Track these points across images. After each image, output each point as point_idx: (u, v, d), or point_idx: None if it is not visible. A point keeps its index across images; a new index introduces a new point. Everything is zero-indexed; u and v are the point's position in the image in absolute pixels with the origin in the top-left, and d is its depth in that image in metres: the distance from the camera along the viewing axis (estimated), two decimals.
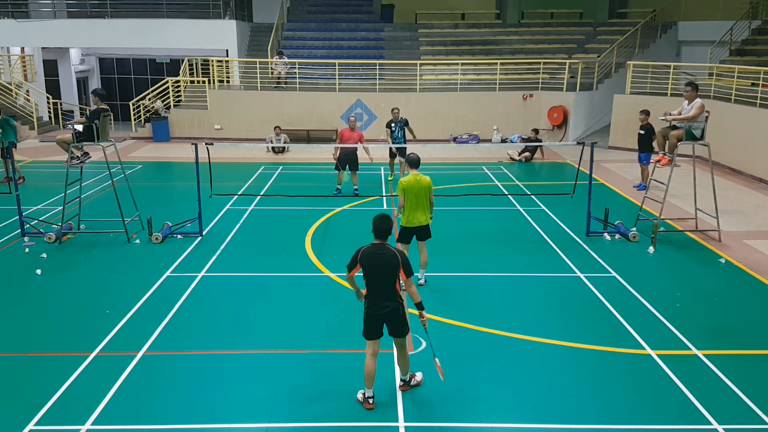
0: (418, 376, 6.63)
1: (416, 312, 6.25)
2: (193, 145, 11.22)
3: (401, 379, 6.55)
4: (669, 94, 20.08)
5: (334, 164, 14.85)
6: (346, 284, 9.28)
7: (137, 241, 11.33)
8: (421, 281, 9.26)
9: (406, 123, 15.76)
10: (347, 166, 14.71)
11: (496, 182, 16.38)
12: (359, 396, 6.33)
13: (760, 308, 8.69)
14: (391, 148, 15.83)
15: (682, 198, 14.03)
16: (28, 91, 25.09)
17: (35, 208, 13.51)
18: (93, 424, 5.90)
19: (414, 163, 8.98)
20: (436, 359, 6.36)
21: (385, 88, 23.30)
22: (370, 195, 14.74)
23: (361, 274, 6.18)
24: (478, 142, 22.42)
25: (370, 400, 6.25)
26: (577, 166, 12.53)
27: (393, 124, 15.64)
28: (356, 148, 14.59)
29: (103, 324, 7.97)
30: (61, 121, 25.55)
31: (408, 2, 29.37)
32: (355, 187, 14.85)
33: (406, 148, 15.67)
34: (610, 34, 25.60)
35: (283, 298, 8.92)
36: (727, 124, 17.45)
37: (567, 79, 22.50)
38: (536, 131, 20.29)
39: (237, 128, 22.83)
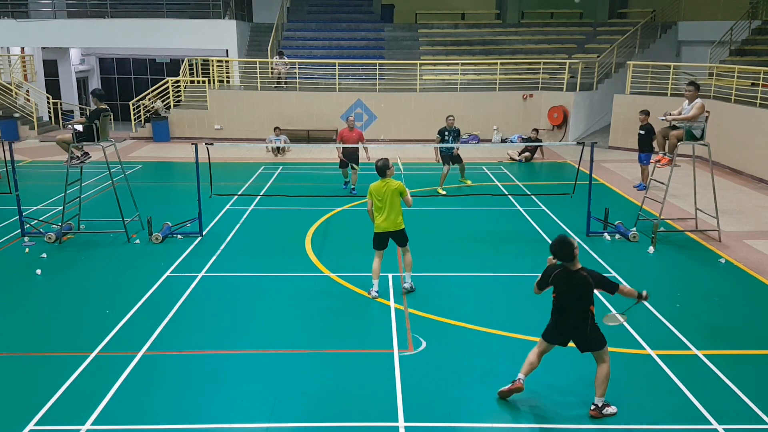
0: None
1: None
2: (193, 145, 11.22)
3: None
4: (669, 94, 20.08)
5: (335, 164, 14.94)
6: (345, 282, 9.31)
7: (137, 241, 11.33)
8: (406, 284, 8.95)
9: (459, 133, 15.21)
10: (349, 165, 14.84)
11: (496, 182, 16.38)
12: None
13: (760, 308, 8.69)
14: (442, 157, 15.05)
15: (682, 198, 14.03)
16: (28, 91, 25.09)
17: (35, 208, 13.51)
18: (93, 424, 5.90)
19: (380, 170, 8.67)
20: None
21: (385, 88, 23.30)
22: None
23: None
24: (478, 142, 22.41)
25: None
26: (577, 166, 12.53)
27: (446, 132, 15.04)
28: (357, 147, 14.66)
29: (103, 324, 7.97)
30: (61, 121, 25.55)
31: (408, 2, 29.36)
32: (353, 186, 14.90)
33: (458, 155, 15.28)
34: (610, 34, 25.61)
35: (283, 298, 8.92)
36: (727, 124, 17.45)
37: (567, 79, 22.50)
38: (536, 131, 20.29)
39: (237, 128, 22.83)
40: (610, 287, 6.13)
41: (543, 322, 8.04)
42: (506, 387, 6.28)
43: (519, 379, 6.26)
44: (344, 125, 22.57)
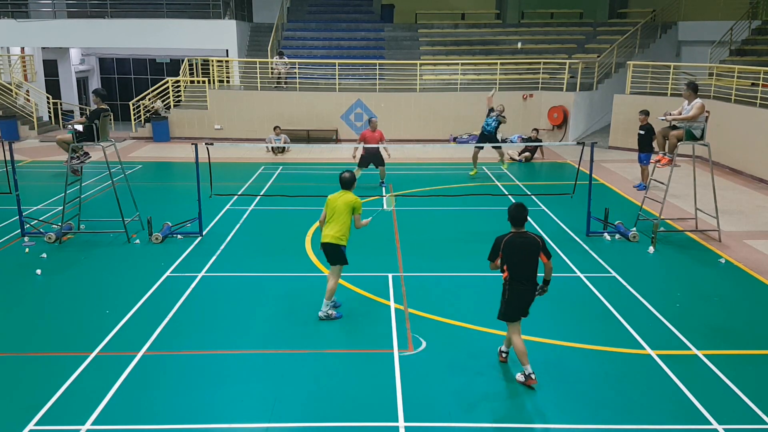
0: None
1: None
2: (193, 145, 11.22)
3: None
4: (669, 94, 20.09)
5: (335, 164, 15.02)
6: (345, 282, 9.30)
7: (137, 241, 11.33)
8: (321, 312, 8.11)
9: (498, 121, 16.52)
10: (370, 164, 15.43)
11: (496, 182, 16.38)
12: None
13: (760, 308, 8.69)
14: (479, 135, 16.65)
15: (682, 198, 14.03)
16: (28, 91, 25.09)
17: (35, 208, 13.51)
18: (93, 424, 5.91)
19: (343, 181, 8.09)
20: None
21: (385, 88, 23.30)
22: (369, 195, 14.72)
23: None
24: (478, 142, 22.38)
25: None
26: (577, 166, 12.53)
27: (491, 111, 16.52)
28: (378, 147, 15.23)
29: (103, 324, 7.97)
30: (61, 121, 25.55)
31: (408, 2, 29.38)
32: (381, 180, 15.71)
33: (496, 140, 16.70)
34: (610, 34, 25.61)
35: (282, 298, 8.92)
36: (727, 124, 17.45)
37: (567, 79, 22.50)
38: (536, 131, 20.30)
39: (237, 128, 22.84)
40: (547, 254, 6.60)
41: (542, 322, 8.09)
42: (522, 380, 6.64)
43: (530, 375, 6.56)
44: (344, 125, 22.81)
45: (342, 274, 9.47)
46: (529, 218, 12.66)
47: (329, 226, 8.00)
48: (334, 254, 8.00)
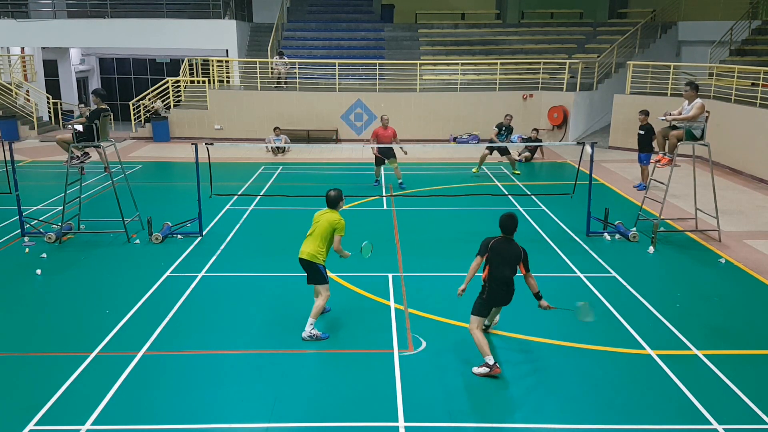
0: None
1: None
2: (193, 145, 11.22)
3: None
4: (669, 94, 20.08)
5: (335, 164, 14.96)
6: (345, 282, 9.31)
7: (137, 241, 11.33)
8: (304, 332, 7.62)
9: (511, 131, 17.42)
10: (386, 160, 15.55)
11: (496, 182, 16.38)
12: None
13: (760, 308, 8.69)
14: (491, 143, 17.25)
15: (682, 198, 14.03)
16: (28, 91, 25.09)
17: (35, 208, 13.51)
18: (93, 424, 5.91)
19: (327, 200, 7.69)
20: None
21: (385, 88, 23.30)
22: (369, 195, 14.74)
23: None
24: (478, 142, 22.40)
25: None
26: (577, 166, 12.53)
27: (503, 128, 17.22)
28: (391, 143, 15.34)
29: (103, 324, 7.97)
30: (61, 121, 25.56)
31: (408, 2, 29.37)
32: (400, 180, 15.65)
33: (507, 148, 17.38)
34: (610, 34, 25.61)
35: (282, 298, 8.92)
36: (727, 124, 17.45)
37: (567, 79, 22.50)
38: (536, 131, 20.30)
39: (237, 128, 22.83)
40: (527, 267, 7.06)
41: (542, 322, 8.09)
42: (486, 372, 6.76)
43: (495, 363, 6.76)
44: (344, 125, 22.81)
45: (342, 274, 9.54)
46: (529, 218, 12.80)
47: (308, 241, 7.62)
48: (311, 272, 7.61)
